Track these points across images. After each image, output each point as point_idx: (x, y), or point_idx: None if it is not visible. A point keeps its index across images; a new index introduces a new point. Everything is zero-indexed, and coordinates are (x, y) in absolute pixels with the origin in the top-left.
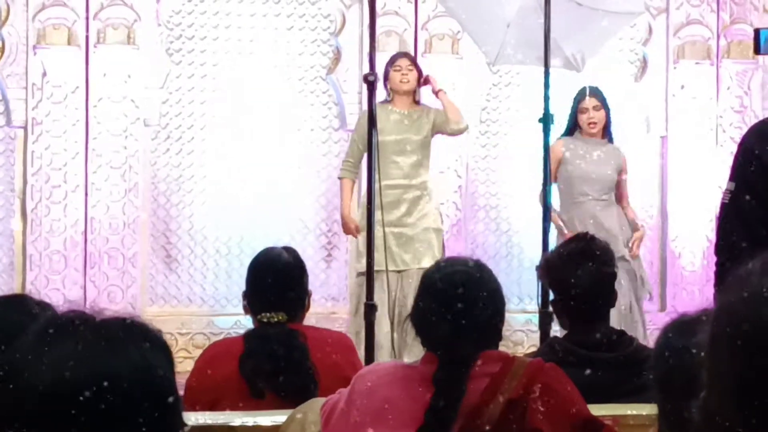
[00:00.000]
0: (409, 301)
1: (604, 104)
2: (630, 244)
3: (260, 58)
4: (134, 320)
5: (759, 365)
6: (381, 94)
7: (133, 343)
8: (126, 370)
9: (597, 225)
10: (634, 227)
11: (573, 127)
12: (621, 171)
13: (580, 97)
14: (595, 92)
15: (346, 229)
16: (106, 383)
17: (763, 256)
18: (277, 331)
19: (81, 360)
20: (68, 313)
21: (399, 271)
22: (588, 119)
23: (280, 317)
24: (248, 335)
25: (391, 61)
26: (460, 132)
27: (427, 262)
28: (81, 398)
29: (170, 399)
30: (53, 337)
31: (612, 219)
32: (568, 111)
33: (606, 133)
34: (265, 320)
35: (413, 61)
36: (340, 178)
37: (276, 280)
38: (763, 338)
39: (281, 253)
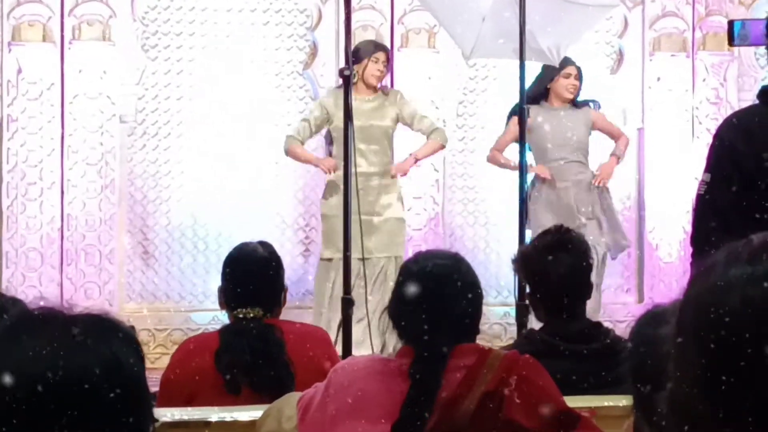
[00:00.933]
0: (376, 289)
1: (580, 76)
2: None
3: (236, 54)
4: (105, 316)
5: (724, 355)
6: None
7: (104, 339)
8: (96, 366)
9: (566, 193)
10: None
11: (540, 96)
12: (592, 125)
13: (565, 63)
14: (574, 62)
15: (328, 164)
16: (75, 380)
17: (729, 245)
18: (253, 326)
19: (50, 356)
20: (38, 309)
21: (361, 259)
22: (570, 83)
23: (256, 312)
24: (224, 330)
25: (371, 51)
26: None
27: (391, 253)
28: (50, 395)
29: (140, 395)
30: (22, 333)
31: (581, 192)
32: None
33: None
34: (240, 315)
35: (389, 58)
36: (286, 150)
37: (251, 275)
38: (728, 328)
39: (256, 248)
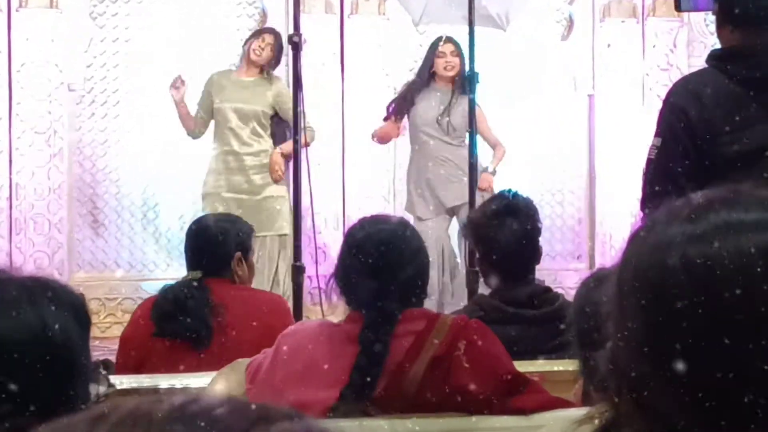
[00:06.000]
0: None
1: (460, 53)
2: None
3: (185, 21)
4: (38, 280)
5: (663, 313)
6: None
7: (31, 305)
8: (18, 332)
9: (434, 168)
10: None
11: (427, 77)
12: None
13: (437, 42)
14: (451, 40)
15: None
16: None
17: (669, 205)
18: (184, 284)
19: None
20: None
21: None
22: (445, 63)
23: (193, 275)
24: (162, 289)
25: (258, 32)
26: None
27: (277, 230)
28: None
29: (72, 362)
30: None
31: (450, 165)
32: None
33: (460, 84)
34: (184, 277)
35: (277, 41)
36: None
37: (193, 243)
38: (667, 286)
39: (204, 217)
